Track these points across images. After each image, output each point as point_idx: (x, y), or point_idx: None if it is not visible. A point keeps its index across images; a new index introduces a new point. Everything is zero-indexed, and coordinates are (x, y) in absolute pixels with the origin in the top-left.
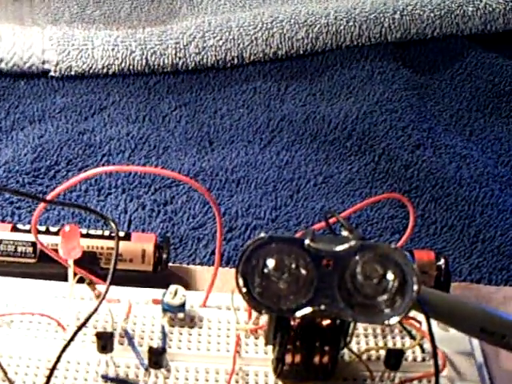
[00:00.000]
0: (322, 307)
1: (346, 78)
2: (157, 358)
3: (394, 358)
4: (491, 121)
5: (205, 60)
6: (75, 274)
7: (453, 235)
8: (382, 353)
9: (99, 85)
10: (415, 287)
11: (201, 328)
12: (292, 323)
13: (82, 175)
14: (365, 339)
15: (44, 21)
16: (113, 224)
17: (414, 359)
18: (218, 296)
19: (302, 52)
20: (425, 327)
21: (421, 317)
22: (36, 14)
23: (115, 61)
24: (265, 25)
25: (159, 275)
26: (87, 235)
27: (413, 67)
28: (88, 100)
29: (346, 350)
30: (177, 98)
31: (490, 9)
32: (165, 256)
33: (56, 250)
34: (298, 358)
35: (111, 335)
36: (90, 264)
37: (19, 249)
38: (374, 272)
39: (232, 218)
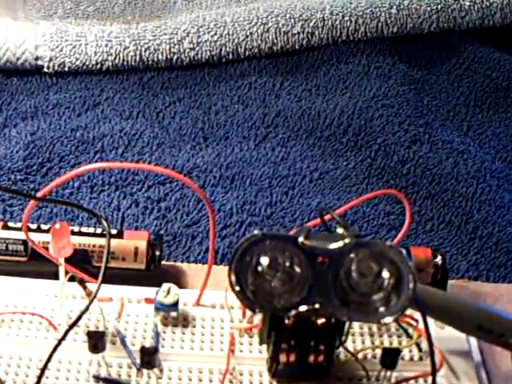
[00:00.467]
0: (317, 306)
1: (341, 73)
2: (149, 358)
3: (391, 357)
4: (489, 116)
5: (199, 55)
6: (67, 273)
7: (450, 232)
8: (378, 352)
9: (93, 81)
10: (411, 285)
11: (194, 327)
12: (286, 322)
13: (72, 172)
14: (360, 338)
15: (37, 16)
16: (104, 222)
17: (411, 358)
18: (212, 294)
19: (297, 47)
20: (421, 326)
21: (418, 315)
22: (29, 9)
23: (109, 57)
24: (260, 20)
25: (152, 273)
26: (79, 233)
27: (409, 62)
28: (81, 96)
29: (341, 349)
30: (171, 93)
31: (488, 3)
32: (158, 254)
33: (47, 248)
34: (292, 358)
35: (102, 335)
36: (81, 262)
37: (10, 247)
38: (369, 270)
39: (227, 214)
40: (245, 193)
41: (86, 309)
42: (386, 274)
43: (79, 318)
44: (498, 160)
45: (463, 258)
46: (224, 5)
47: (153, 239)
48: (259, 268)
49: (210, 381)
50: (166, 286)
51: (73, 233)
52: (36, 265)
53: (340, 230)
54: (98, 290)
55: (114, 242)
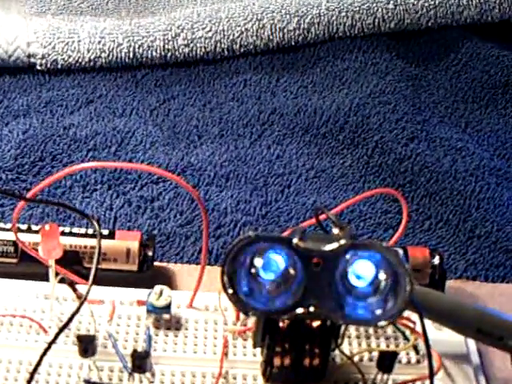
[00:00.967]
0: (312, 308)
1: (338, 69)
2: (140, 362)
3: (387, 360)
4: (487, 112)
5: (194, 52)
6: (57, 274)
7: (448, 230)
8: (375, 355)
9: (85, 78)
10: (408, 288)
11: (187, 330)
12: (281, 325)
13: (61, 173)
14: (357, 340)
15: (30, 13)
16: (95, 222)
17: (408, 361)
18: (206, 296)
19: (293, 43)
20: (419, 328)
21: (415, 317)
22: (21, 5)
23: (102, 54)
24: (255, 16)
25: (145, 275)
26: (70, 233)
27: (407, 58)
28: (74, 94)
29: (337, 352)
30: (165, 91)
31: None
32: (150, 254)
33: (38, 250)
34: (287, 361)
35: (93, 339)
36: (72, 263)
37: (0, 248)
38: (365, 272)
39: (221, 214)
40: (239, 192)
41: (76, 311)
42: (382, 275)
43: (69, 320)
44: (497, 157)
45: (461, 257)
46: (219, 0)
47: (145, 239)
48: (253, 270)
49: None
50: (158, 288)
51: (63, 233)
52: (26, 266)
53: (336, 230)
54: (88, 292)
55: (105, 242)
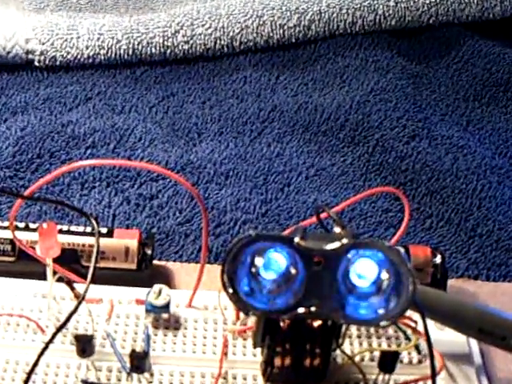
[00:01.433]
0: (313, 308)
1: (339, 66)
2: (139, 362)
3: (389, 360)
4: (488, 110)
5: (193, 49)
6: (55, 273)
7: (449, 229)
8: (376, 355)
9: (84, 75)
10: (410, 287)
11: (186, 329)
12: (281, 325)
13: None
14: (358, 340)
15: (29, 9)
16: (93, 221)
17: (410, 361)
18: (205, 295)
19: (293, 40)
20: (421, 327)
21: (416, 316)
22: (20, 1)
23: (101, 50)
24: (255, 12)
25: (144, 273)
26: (68, 232)
27: (408, 56)
28: (73, 91)
29: (338, 352)
30: (164, 88)
31: None
32: (149, 253)
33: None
34: (287, 361)
35: (91, 338)
36: (70, 262)
37: None
38: (367, 271)
39: (220, 212)
40: (239, 190)
41: (74, 310)
42: (384, 275)
43: (67, 320)
44: (499, 155)
45: (463, 256)
46: None
47: (144, 238)
48: (253, 269)
49: None
50: (156, 287)
51: (61, 232)
52: (24, 265)
53: (337, 229)
54: (86, 291)
55: (103, 241)
